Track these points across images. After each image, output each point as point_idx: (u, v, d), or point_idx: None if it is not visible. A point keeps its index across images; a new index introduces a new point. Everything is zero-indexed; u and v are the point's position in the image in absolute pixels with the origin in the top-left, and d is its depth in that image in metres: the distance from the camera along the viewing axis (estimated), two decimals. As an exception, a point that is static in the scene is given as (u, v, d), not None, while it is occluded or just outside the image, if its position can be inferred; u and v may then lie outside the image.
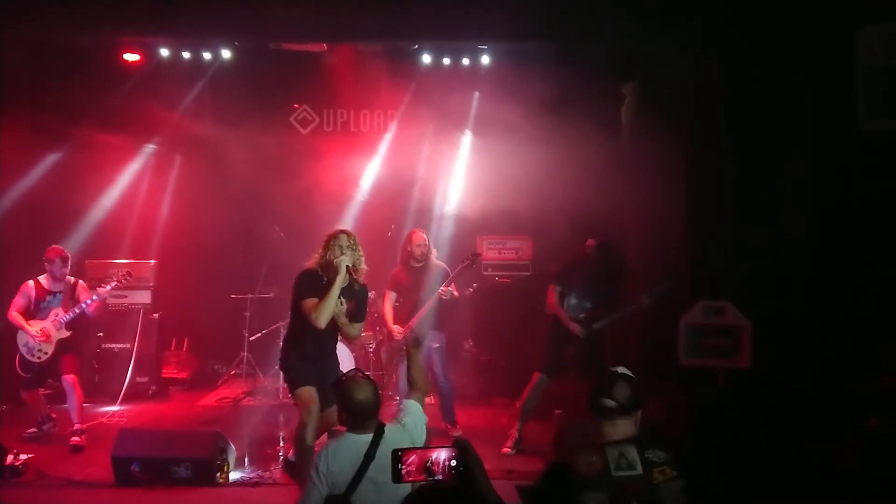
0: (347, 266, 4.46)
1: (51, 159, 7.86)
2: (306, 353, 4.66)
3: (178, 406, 7.57)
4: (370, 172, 8.50)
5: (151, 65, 7.82)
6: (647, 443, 2.59)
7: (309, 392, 4.54)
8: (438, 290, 6.18)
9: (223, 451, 5.22)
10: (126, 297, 7.66)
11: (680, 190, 6.66)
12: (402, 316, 6.40)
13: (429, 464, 2.14)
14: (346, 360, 7.22)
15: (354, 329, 4.76)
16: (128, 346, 7.55)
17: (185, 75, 8.05)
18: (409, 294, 6.39)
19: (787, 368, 5.31)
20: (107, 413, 6.86)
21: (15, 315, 6.04)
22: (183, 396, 7.94)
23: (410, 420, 3.44)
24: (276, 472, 5.33)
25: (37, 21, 6.20)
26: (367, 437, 3.17)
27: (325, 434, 4.90)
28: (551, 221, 7.24)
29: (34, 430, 6.17)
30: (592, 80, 7.61)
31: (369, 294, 7.49)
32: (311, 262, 4.63)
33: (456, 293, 6.44)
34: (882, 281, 4.98)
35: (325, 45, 7.80)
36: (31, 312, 6.10)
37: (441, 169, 8.55)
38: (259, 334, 8.02)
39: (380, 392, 3.38)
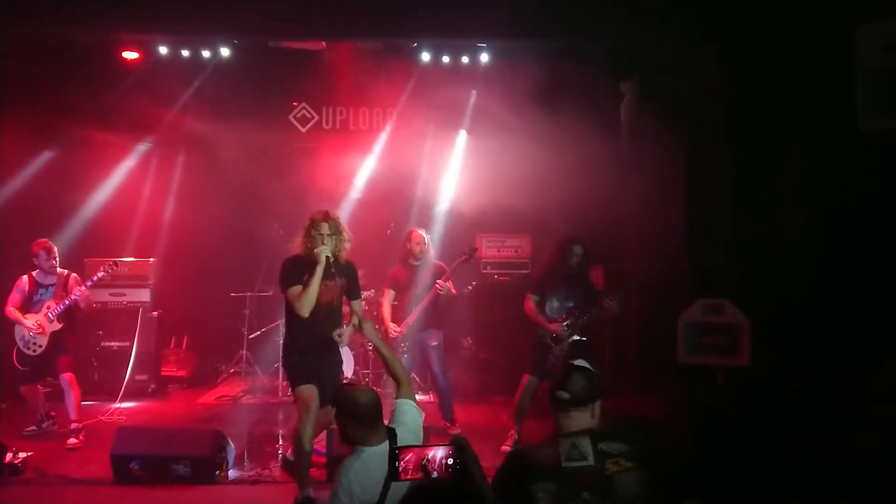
0: (327, 256, 4.49)
1: (50, 157, 7.87)
2: (301, 343, 4.67)
3: (178, 404, 7.58)
4: (369, 170, 8.50)
5: (150, 63, 7.81)
6: (607, 435, 2.60)
7: (308, 390, 4.55)
8: (435, 284, 6.21)
9: (222, 449, 5.23)
10: (125, 295, 7.67)
11: (679, 188, 6.66)
12: (400, 314, 6.43)
13: (426, 462, 2.14)
14: (345, 358, 7.26)
15: (367, 324, 4.81)
16: (127, 344, 7.55)
17: (184, 73, 8.04)
18: (406, 292, 6.42)
19: (786, 367, 5.31)
20: (106, 411, 6.86)
21: (11, 310, 6.12)
22: (182, 394, 7.95)
23: (410, 418, 3.44)
24: (276, 470, 5.34)
25: (36, 20, 6.19)
26: (384, 447, 3.12)
27: (324, 432, 4.91)
28: (550, 219, 7.24)
29: (33, 427, 6.21)
30: (592, 79, 7.60)
31: (369, 292, 7.59)
32: (295, 247, 4.66)
33: (453, 290, 6.45)
34: (882, 280, 4.97)
35: (324, 42, 7.79)
36: (26, 306, 6.16)
37: (441, 167, 8.56)
38: (258, 332, 8.03)
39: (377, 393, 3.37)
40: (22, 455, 5.31)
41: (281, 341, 6.41)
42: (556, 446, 2.55)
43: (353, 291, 4.86)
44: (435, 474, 2.14)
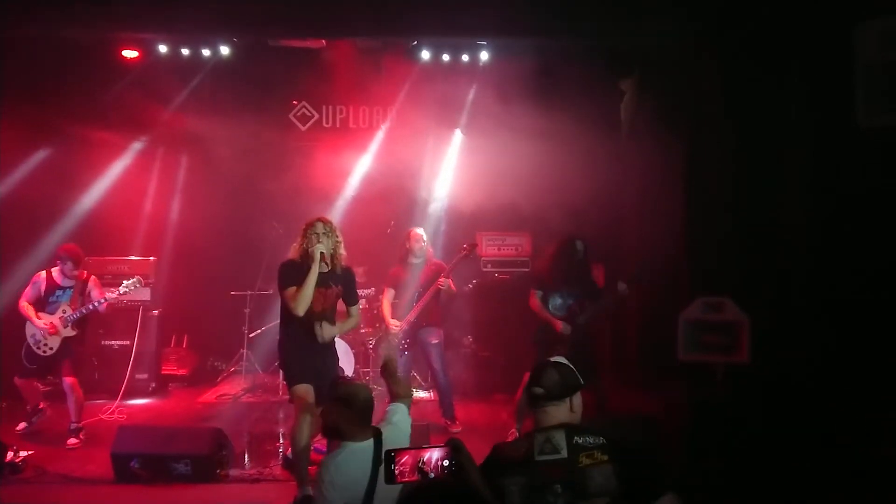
0: (322, 253, 4.55)
1: (50, 156, 7.86)
2: (297, 342, 4.70)
3: (178, 403, 7.59)
4: (370, 169, 8.50)
5: (150, 62, 7.82)
6: (584, 429, 2.62)
7: (305, 389, 4.58)
8: (437, 281, 6.24)
9: (223, 447, 5.23)
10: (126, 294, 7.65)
11: (679, 186, 6.66)
12: (401, 312, 6.45)
13: (421, 463, 2.14)
14: (346, 357, 7.28)
15: (352, 318, 4.98)
16: (127, 342, 7.54)
17: (184, 72, 8.05)
18: (407, 291, 6.44)
19: (786, 365, 5.31)
20: (106, 410, 6.87)
21: (25, 305, 6.01)
22: (182, 393, 7.96)
23: (399, 418, 3.46)
24: (276, 468, 5.34)
25: (37, 19, 6.19)
26: (369, 444, 3.16)
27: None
28: (551, 218, 7.23)
29: (24, 424, 6.15)
30: (592, 77, 7.60)
31: (369, 290, 7.60)
32: (292, 252, 4.73)
33: (453, 287, 6.46)
34: (882, 277, 4.97)
35: (323, 41, 7.79)
36: (41, 305, 6.05)
37: (441, 165, 8.56)
38: (258, 331, 8.04)
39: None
40: (23, 454, 5.30)
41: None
42: (531, 440, 2.58)
43: (349, 297, 4.93)
44: (432, 475, 2.14)
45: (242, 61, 8.00)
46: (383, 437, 3.22)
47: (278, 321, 4.91)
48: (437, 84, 8.00)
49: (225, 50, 7.80)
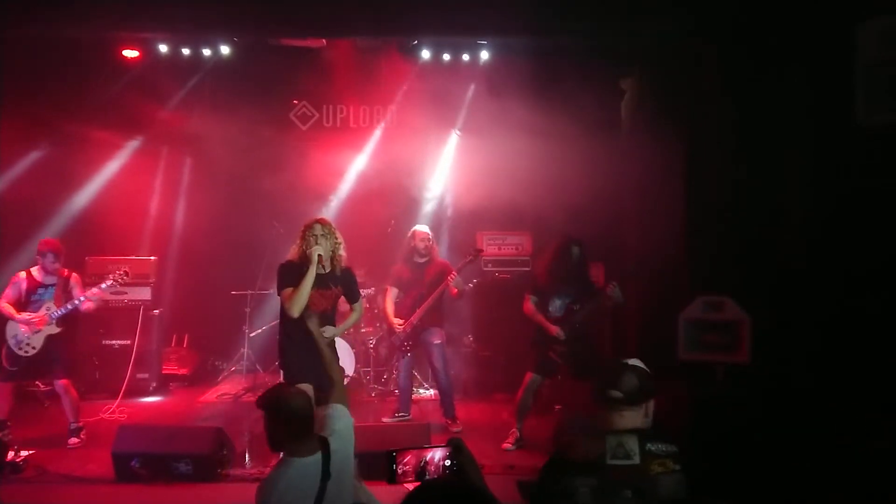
0: (320, 255, 4.56)
1: (50, 155, 7.87)
2: (297, 342, 4.69)
3: (179, 402, 7.60)
4: (370, 168, 8.50)
5: (150, 61, 7.82)
6: (656, 435, 2.59)
7: (305, 389, 4.57)
8: (446, 279, 6.23)
9: (223, 446, 5.24)
10: (126, 293, 7.66)
11: (679, 184, 6.65)
12: (404, 311, 6.43)
13: (423, 463, 2.15)
14: (346, 356, 7.28)
15: (354, 314, 4.99)
16: (128, 342, 7.55)
17: (185, 72, 8.05)
18: (410, 289, 6.44)
19: (787, 364, 5.31)
20: (107, 409, 6.87)
21: (5, 305, 5.83)
22: (183, 393, 7.96)
23: (342, 425, 3.28)
24: (276, 468, 5.34)
25: (37, 19, 6.20)
26: (316, 458, 3.00)
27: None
28: (551, 217, 7.24)
29: None
30: (592, 76, 7.59)
31: (370, 290, 7.59)
32: (291, 253, 4.74)
33: (464, 285, 6.47)
34: (882, 276, 4.97)
35: (324, 40, 7.79)
36: (22, 305, 5.88)
37: (441, 164, 8.56)
38: (259, 330, 8.04)
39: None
40: (24, 453, 5.31)
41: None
42: (601, 442, 2.54)
43: (351, 296, 4.93)
44: (433, 476, 2.14)
45: (243, 61, 8.00)
46: (333, 448, 3.06)
47: (278, 321, 4.92)
48: (437, 83, 8.00)
49: (225, 49, 7.80)
